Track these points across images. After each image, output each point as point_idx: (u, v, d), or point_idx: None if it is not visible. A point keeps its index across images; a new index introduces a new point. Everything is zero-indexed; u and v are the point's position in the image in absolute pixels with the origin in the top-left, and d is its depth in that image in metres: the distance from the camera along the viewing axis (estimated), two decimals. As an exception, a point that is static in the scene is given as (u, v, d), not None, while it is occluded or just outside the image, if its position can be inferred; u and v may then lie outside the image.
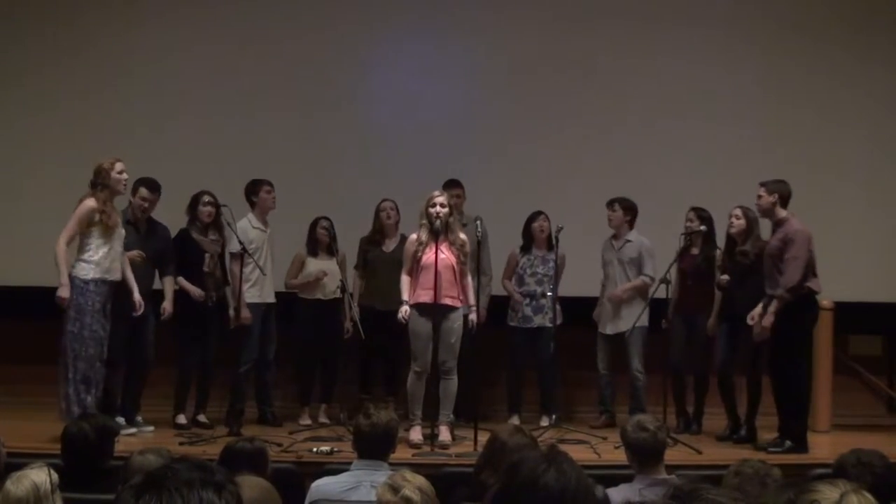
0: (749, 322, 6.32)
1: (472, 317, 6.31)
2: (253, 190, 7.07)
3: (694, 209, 6.99)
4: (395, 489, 3.14)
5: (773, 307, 6.08)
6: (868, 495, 2.09)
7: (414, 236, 6.37)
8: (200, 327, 6.79)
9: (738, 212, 6.64)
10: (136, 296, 6.15)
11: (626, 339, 7.15)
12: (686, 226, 6.96)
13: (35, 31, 7.90)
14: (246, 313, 6.82)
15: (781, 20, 8.02)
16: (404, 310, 6.25)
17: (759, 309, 6.25)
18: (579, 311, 7.36)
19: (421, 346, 6.25)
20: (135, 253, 6.37)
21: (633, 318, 7.04)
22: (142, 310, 6.20)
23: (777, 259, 6.15)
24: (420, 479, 3.20)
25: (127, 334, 6.38)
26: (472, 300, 6.34)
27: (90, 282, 5.90)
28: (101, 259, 5.94)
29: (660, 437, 3.91)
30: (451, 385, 6.30)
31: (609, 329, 7.27)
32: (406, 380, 6.40)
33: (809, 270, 6.16)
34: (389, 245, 7.27)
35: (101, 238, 5.94)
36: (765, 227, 6.58)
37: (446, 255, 6.22)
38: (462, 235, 6.38)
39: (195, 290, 6.70)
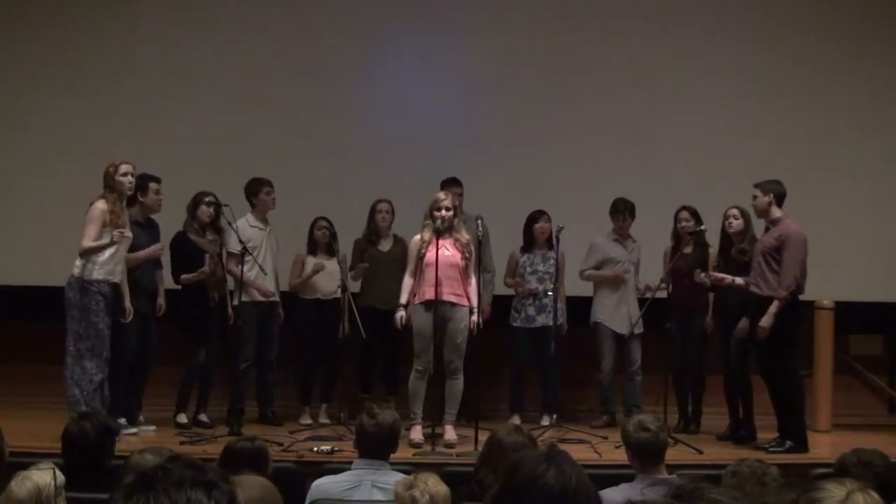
0: (739, 335, 6.40)
1: (474, 318, 6.26)
2: (253, 190, 7.05)
3: (686, 208, 6.99)
4: (409, 486, 3.13)
5: (773, 308, 6.08)
6: (874, 494, 2.09)
7: (417, 237, 6.35)
8: (203, 327, 6.79)
9: (736, 211, 6.64)
10: (127, 303, 6.13)
11: (627, 338, 7.17)
12: (684, 225, 6.96)
13: (35, 31, 7.89)
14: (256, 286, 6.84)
15: (781, 20, 8.02)
16: (399, 315, 6.26)
17: (744, 322, 6.32)
18: (579, 311, 7.36)
19: (423, 344, 6.22)
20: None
21: (637, 316, 7.07)
22: (131, 316, 6.20)
23: (770, 257, 6.16)
24: (439, 488, 3.16)
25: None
26: (474, 302, 6.30)
27: (94, 282, 5.91)
28: (107, 261, 5.96)
29: (661, 436, 3.91)
30: (457, 385, 6.28)
31: (623, 329, 7.22)
32: (406, 379, 6.38)
33: (804, 272, 6.17)
34: (385, 245, 7.26)
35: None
36: (758, 227, 6.59)
37: (451, 252, 6.20)
38: (466, 235, 6.38)
39: (199, 273, 6.60)
